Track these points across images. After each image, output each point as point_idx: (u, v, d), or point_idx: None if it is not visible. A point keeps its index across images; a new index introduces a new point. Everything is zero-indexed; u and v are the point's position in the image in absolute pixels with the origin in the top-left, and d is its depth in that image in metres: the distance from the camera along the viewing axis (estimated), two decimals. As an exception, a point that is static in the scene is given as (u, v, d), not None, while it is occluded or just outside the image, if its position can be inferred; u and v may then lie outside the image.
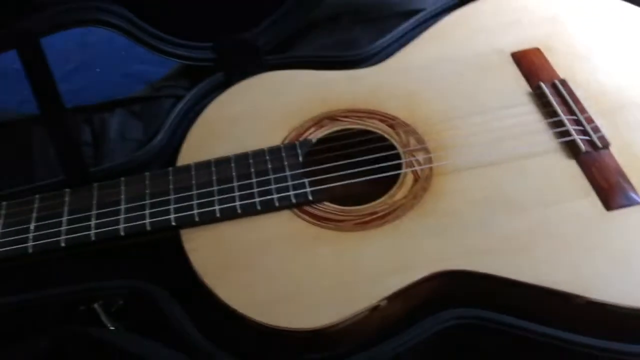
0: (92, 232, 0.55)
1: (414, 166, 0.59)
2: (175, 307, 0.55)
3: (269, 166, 0.60)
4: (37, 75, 0.62)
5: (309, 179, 0.59)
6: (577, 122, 0.60)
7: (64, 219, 0.56)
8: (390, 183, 0.59)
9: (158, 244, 0.57)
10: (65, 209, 0.57)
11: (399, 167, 0.60)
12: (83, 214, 0.57)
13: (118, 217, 0.56)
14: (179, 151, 0.64)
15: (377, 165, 0.59)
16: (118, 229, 0.56)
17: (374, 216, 0.56)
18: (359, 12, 0.84)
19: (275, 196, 0.57)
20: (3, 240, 0.55)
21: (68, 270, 0.57)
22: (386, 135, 0.62)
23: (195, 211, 0.56)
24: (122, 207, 0.57)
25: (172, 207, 0.57)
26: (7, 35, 0.63)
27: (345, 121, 0.64)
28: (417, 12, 0.79)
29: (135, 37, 0.70)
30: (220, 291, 0.51)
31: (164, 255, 0.57)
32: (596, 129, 0.59)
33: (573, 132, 0.59)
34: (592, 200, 0.55)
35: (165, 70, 1.08)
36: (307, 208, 0.57)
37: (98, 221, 0.56)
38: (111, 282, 0.56)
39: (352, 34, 0.82)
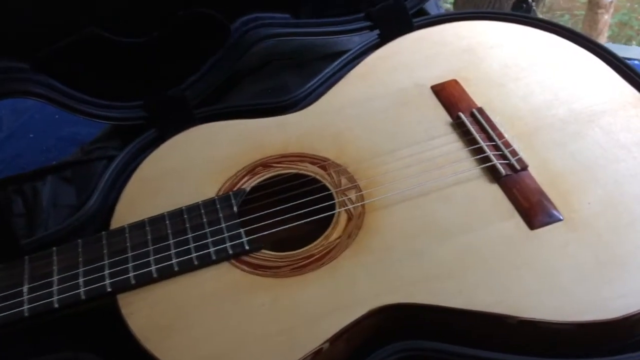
0: (25, 307, 0.54)
1: (346, 205, 0.61)
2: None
3: (204, 219, 0.60)
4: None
5: (247, 228, 0.59)
6: (496, 148, 0.63)
7: (-6, 296, 0.55)
8: (328, 224, 0.60)
9: (97, 312, 0.56)
10: (-5, 286, 0.56)
11: (333, 207, 0.61)
12: (14, 290, 0.55)
13: (51, 289, 0.55)
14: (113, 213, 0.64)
15: (312, 208, 0.60)
16: (52, 302, 0.54)
17: (311, 259, 0.56)
18: (287, 57, 0.86)
19: (212, 249, 0.57)
20: None
21: (3, 348, 0.55)
22: (318, 177, 0.63)
23: (131, 274, 0.56)
24: (55, 278, 0.56)
25: (106, 272, 0.56)
26: None
27: (278, 167, 0.65)
28: (343, 53, 0.81)
29: (63, 105, 0.70)
30: (161, 355, 0.51)
31: (103, 323, 0.56)
32: (514, 153, 0.62)
33: (493, 158, 0.62)
34: (516, 221, 0.57)
35: (93, 130, 1.07)
36: (245, 258, 0.57)
37: (30, 295, 0.55)
38: (48, 357, 0.54)
39: (282, 79, 0.84)
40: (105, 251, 0.58)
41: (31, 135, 1.06)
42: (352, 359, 0.54)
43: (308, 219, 0.60)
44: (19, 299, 0.55)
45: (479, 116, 0.66)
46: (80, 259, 0.57)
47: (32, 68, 0.68)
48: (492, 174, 0.61)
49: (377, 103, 0.71)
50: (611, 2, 1.88)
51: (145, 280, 0.56)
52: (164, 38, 0.73)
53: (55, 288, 0.55)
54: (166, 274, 0.56)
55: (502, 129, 0.65)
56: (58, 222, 0.70)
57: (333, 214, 0.60)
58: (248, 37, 0.77)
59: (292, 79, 0.84)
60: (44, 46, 0.69)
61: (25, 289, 0.55)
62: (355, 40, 0.86)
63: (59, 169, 0.73)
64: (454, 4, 1.71)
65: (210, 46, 0.77)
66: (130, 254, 0.57)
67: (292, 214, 0.60)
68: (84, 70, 0.72)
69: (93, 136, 0.98)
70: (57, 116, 1.08)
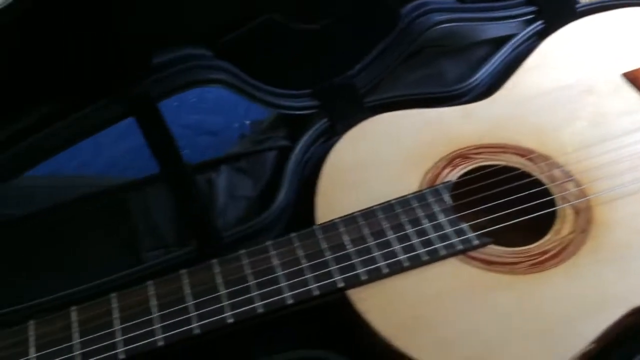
0: (258, 303, 0.52)
1: (569, 200, 0.58)
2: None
3: (420, 214, 0.57)
4: (159, 142, 0.59)
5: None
6: None
7: (223, 292, 0.53)
8: (538, 220, 0.57)
9: (320, 309, 0.54)
10: (220, 281, 0.53)
11: (548, 202, 0.58)
12: (241, 286, 0.53)
13: (279, 285, 0.53)
14: (303, 206, 0.61)
15: (531, 203, 0.58)
16: (284, 298, 0.52)
17: (547, 255, 0.54)
18: (442, 44, 0.83)
19: (439, 245, 0.55)
20: (165, 323, 0.51)
21: (236, 345, 0.53)
22: (529, 170, 0.61)
23: (360, 270, 0.54)
24: (280, 274, 0.54)
25: (333, 268, 0.54)
26: (125, 103, 0.60)
27: (479, 158, 0.63)
28: (501, 38, 0.79)
29: (242, 91, 0.68)
30: (417, 354, 0.48)
31: (330, 320, 0.54)
32: None
33: None
34: None
35: (219, 118, 1.06)
36: (473, 253, 0.55)
37: (261, 291, 0.52)
38: (286, 355, 0.52)
39: (437, 66, 0.81)
40: (324, 246, 0.55)
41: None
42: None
43: (532, 215, 0.57)
44: (249, 295, 0.52)
45: (689, 106, 0.63)
46: (301, 253, 0.55)
47: (215, 54, 0.66)
48: None
49: (565, 92, 0.68)
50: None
51: (375, 276, 0.53)
52: (337, 24, 0.71)
53: (284, 284, 0.53)
54: (395, 270, 0.54)
55: None
56: (237, 213, 0.67)
57: (552, 210, 0.58)
58: (418, 24, 0.75)
59: (448, 66, 0.81)
60: (223, 33, 0.66)
61: (252, 284, 0.53)
62: (511, 25, 0.83)
63: (231, 159, 0.71)
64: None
65: (379, 32, 0.74)
66: (352, 249, 0.55)
67: (505, 209, 0.58)
68: (260, 57, 0.69)
69: (216, 122, 0.96)
70: (176, 104, 1.06)
